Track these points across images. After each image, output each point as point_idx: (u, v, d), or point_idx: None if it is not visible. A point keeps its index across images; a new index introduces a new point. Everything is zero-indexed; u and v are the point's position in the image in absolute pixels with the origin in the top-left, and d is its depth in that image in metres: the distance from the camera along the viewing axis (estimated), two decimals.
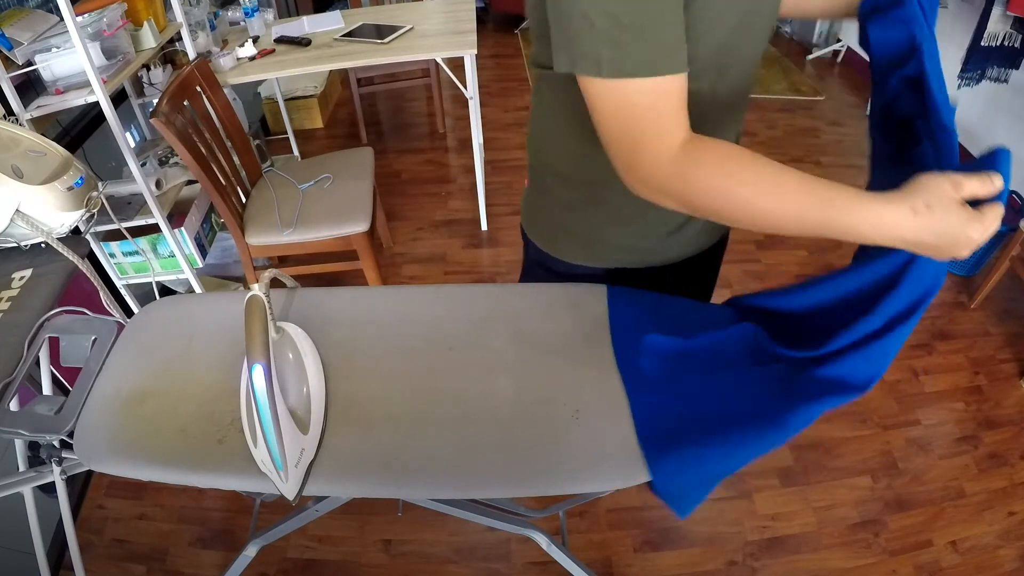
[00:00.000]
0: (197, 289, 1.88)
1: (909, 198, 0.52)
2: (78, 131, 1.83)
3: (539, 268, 0.92)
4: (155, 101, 1.54)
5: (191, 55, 2.00)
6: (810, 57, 3.73)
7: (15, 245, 1.05)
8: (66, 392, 0.77)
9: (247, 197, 1.90)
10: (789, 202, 0.54)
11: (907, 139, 0.70)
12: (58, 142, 1.15)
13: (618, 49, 0.51)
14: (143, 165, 1.74)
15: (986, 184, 0.51)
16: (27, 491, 1.04)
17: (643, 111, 0.54)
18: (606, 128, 0.57)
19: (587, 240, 0.83)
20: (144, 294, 1.94)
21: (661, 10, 0.51)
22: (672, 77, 0.53)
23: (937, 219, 0.51)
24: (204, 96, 1.79)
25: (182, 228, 1.79)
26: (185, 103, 1.67)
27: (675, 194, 0.57)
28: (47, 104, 1.45)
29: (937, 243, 0.53)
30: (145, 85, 2.04)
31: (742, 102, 0.76)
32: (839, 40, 3.66)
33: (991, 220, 0.51)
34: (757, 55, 0.70)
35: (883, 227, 0.53)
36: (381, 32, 2.14)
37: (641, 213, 0.77)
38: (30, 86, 1.50)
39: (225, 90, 1.90)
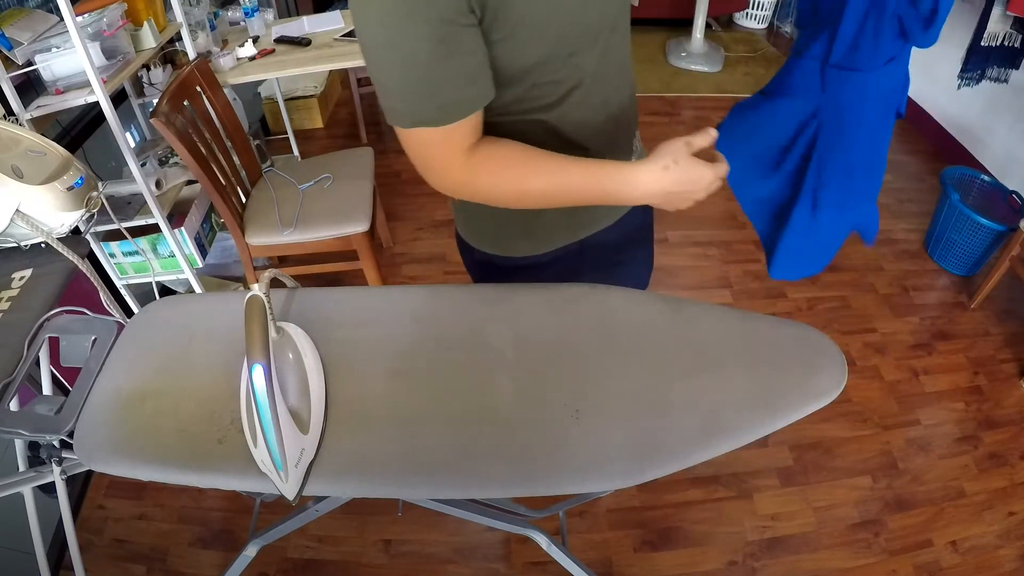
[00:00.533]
0: (197, 289, 1.88)
1: (658, 160, 0.67)
2: (78, 131, 1.82)
3: (487, 266, 0.93)
4: (155, 101, 1.54)
5: (191, 55, 2.00)
6: None
7: (15, 245, 1.05)
8: (66, 392, 0.77)
9: (247, 197, 1.90)
10: (562, 181, 0.68)
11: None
12: (58, 142, 1.15)
13: (409, 107, 0.63)
14: (143, 165, 1.74)
15: (707, 136, 0.68)
16: (27, 491, 1.04)
17: (434, 149, 0.67)
18: (410, 157, 0.70)
19: (526, 230, 0.85)
20: (144, 294, 1.94)
21: (444, 71, 0.60)
22: (456, 124, 0.64)
23: (682, 170, 0.66)
24: (204, 96, 1.79)
25: (182, 228, 1.79)
26: (185, 103, 1.67)
27: (470, 196, 0.72)
28: (47, 104, 1.45)
29: (682, 190, 0.68)
30: (145, 85, 2.04)
31: (622, 93, 0.80)
32: None
33: (720, 167, 0.68)
34: (613, 47, 0.73)
35: (640, 185, 0.67)
36: None
37: None
38: (30, 86, 1.50)
39: (225, 90, 1.90)
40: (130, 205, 1.71)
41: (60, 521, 1.41)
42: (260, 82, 3.02)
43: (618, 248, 0.95)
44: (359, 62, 2.05)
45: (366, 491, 0.66)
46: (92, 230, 1.65)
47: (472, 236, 0.92)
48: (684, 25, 3.74)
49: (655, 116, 3.17)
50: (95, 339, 0.83)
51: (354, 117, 3.07)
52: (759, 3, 4.04)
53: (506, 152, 0.68)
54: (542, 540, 1.04)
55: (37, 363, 0.93)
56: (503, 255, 0.89)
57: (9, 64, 1.40)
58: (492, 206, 0.74)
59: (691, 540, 1.44)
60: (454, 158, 0.67)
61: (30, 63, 1.44)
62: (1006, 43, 2.12)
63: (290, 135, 2.81)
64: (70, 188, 1.02)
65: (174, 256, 1.78)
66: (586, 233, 0.88)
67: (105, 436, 0.70)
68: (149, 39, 1.74)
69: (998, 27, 2.09)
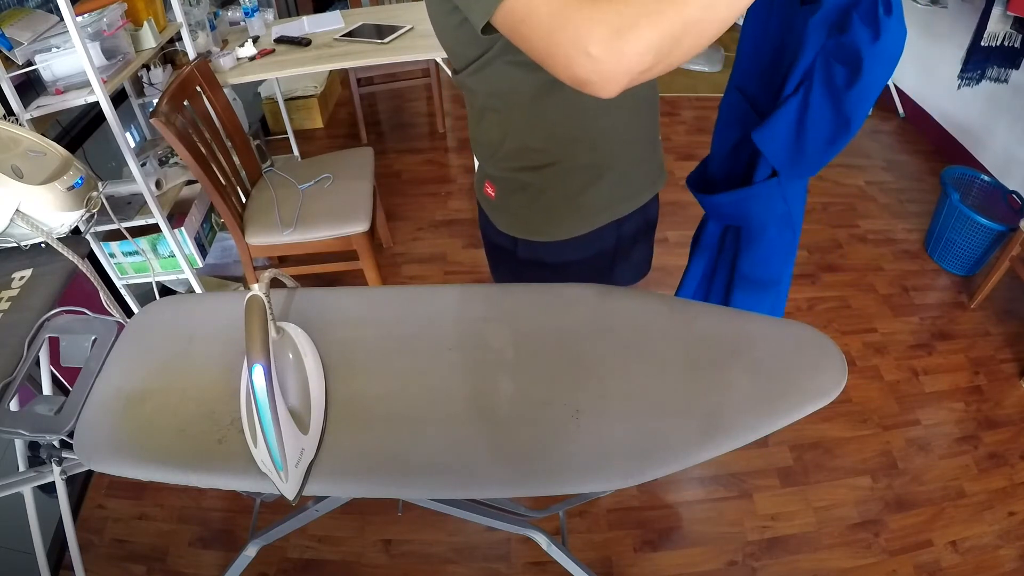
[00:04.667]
0: (197, 289, 1.88)
1: None
2: (78, 131, 1.83)
3: (529, 266, 0.95)
4: (155, 101, 1.54)
5: (191, 55, 2.00)
6: None
7: (15, 245, 1.05)
8: (66, 392, 0.77)
9: (247, 197, 1.90)
10: None
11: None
12: (58, 142, 1.15)
13: None
14: (143, 165, 1.74)
15: None
16: (27, 491, 1.04)
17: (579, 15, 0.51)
18: (541, 38, 0.53)
19: (573, 207, 0.87)
20: (144, 294, 1.94)
21: None
22: None
23: None
24: (204, 96, 1.79)
25: (182, 228, 1.79)
26: (185, 103, 1.67)
27: (630, 52, 0.51)
28: (47, 104, 1.45)
29: None
30: (145, 85, 2.04)
31: None
32: None
33: None
34: None
35: None
36: (381, 32, 2.14)
37: (605, 161, 0.84)
38: (30, 86, 1.50)
39: (225, 90, 1.90)
40: (130, 205, 1.71)
41: (60, 521, 1.41)
42: (260, 82, 3.02)
43: (639, 238, 0.98)
44: (359, 62, 2.05)
45: (366, 491, 0.66)
46: (92, 230, 1.65)
47: (519, 227, 0.92)
48: None
49: None
50: (95, 339, 0.83)
51: (354, 117, 3.06)
52: None
53: None
54: (542, 540, 1.04)
55: (37, 363, 0.93)
56: (549, 240, 0.90)
57: (9, 64, 1.40)
58: (574, 177, 0.78)
59: (691, 540, 1.44)
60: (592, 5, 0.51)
61: (30, 63, 1.45)
62: (1006, 43, 2.12)
63: (290, 135, 2.81)
64: (70, 188, 1.02)
65: (174, 256, 1.78)
66: (626, 209, 0.90)
67: (105, 436, 0.70)
68: (149, 39, 1.74)
69: (998, 27, 2.09)
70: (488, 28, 0.59)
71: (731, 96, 0.99)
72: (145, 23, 1.71)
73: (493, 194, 0.92)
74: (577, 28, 0.51)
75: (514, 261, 0.97)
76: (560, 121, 0.78)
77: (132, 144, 1.82)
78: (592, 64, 0.51)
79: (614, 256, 0.96)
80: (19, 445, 1.10)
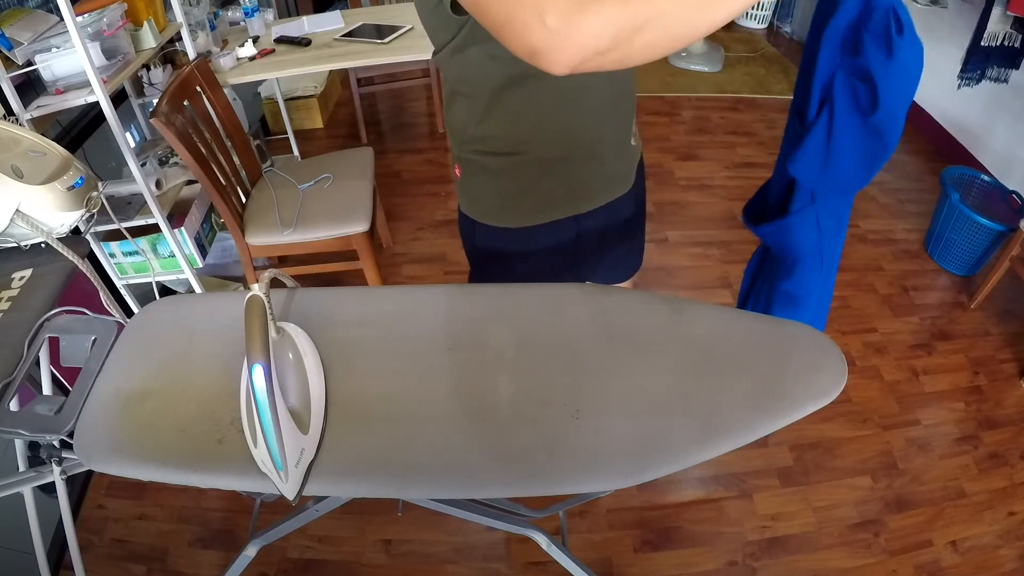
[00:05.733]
0: (197, 289, 1.88)
1: None
2: (78, 131, 1.83)
3: (487, 254, 0.99)
4: (155, 101, 1.54)
5: (191, 55, 2.00)
6: None
7: (15, 245, 1.05)
8: (66, 392, 0.77)
9: (247, 197, 1.90)
10: None
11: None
12: (58, 142, 1.15)
13: None
14: (143, 165, 1.74)
15: None
16: (27, 491, 1.04)
17: None
18: (502, 4, 0.52)
19: (528, 194, 0.90)
20: (144, 294, 1.94)
21: None
22: None
23: None
24: (204, 96, 1.79)
25: (182, 228, 1.79)
26: (185, 103, 1.67)
27: (587, 28, 0.49)
28: (47, 104, 1.45)
29: None
30: (145, 85, 2.04)
31: None
32: None
33: None
34: None
35: None
36: (381, 32, 2.14)
37: (561, 157, 0.87)
38: (30, 86, 1.50)
39: (225, 90, 1.90)
40: (130, 205, 1.71)
41: (60, 521, 1.41)
42: (260, 82, 3.02)
43: (608, 237, 1.01)
44: (359, 62, 2.05)
45: (366, 491, 0.66)
46: (92, 230, 1.65)
47: (476, 209, 0.95)
48: None
49: (655, 116, 3.16)
50: (95, 339, 0.83)
51: (354, 117, 3.06)
52: (759, 3, 4.04)
53: None
54: (542, 540, 1.04)
55: (37, 363, 0.93)
56: (504, 227, 0.93)
57: (9, 64, 1.40)
58: (532, 165, 0.81)
59: (691, 540, 1.44)
60: None
61: (30, 63, 1.45)
62: (1006, 43, 2.12)
63: (290, 135, 2.81)
64: (70, 188, 1.02)
65: (174, 256, 1.78)
66: (584, 207, 0.92)
67: (105, 436, 0.70)
68: (149, 39, 1.74)
69: (998, 27, 2.09)
70: (457, 7, 0.61)
71: (788, 118, 0.95)
72: (145, 23, 1.71)
73: (459, 174, 0.95)
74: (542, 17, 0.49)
75: (472, 245, 1.00)
76: (521, 114, 0.82)
77: (132, 144, 1.82)
78: (547, 33, 0.49)
79: (575, 253, 0.98)
80: (19, 445, 1.10)
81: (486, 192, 0.92)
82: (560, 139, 0.86)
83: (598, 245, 1.01)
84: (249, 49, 2.08)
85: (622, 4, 0.49)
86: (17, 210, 0.96)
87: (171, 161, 1.86)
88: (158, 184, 1.72)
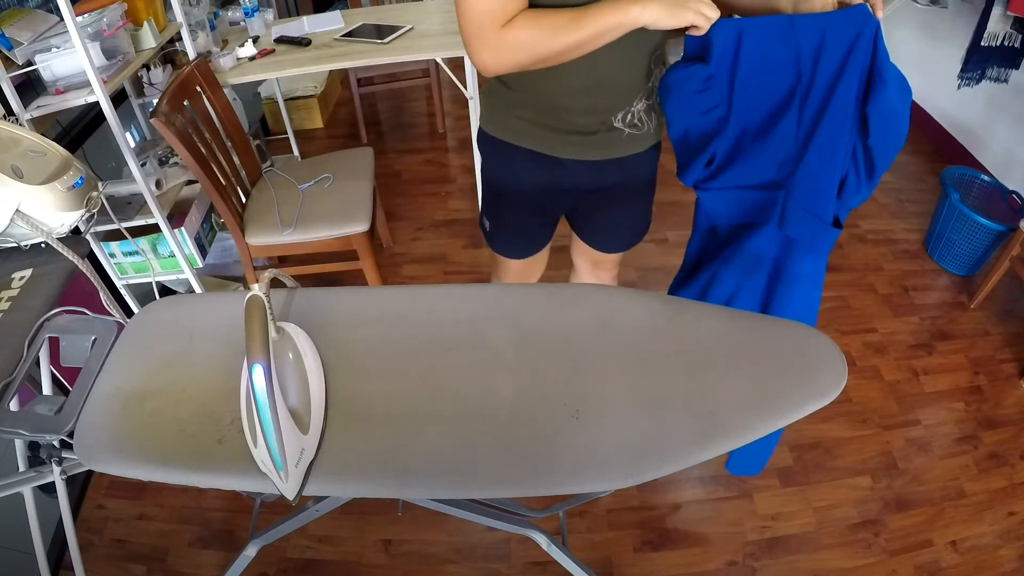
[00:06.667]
0: (197, 289, 1.88)
1: None
2: (78, 131, 1.83)
3: (485, 163, 1.16)
4: (155, 101, 1.54)
5: (191, 55, 2.00)
6: None
7: (15, 245, 1.05)
8: (66, 392, 0.77)
9: (247, 197, 1.90)
10: (576, 15, 0.80)
11: None
12: (58, 142, 1.15)
13: None
14: (143, 165, 1.74)
15: None
16: (27, 491, 1.04)
17: (479, 8, 0.80)
18: (463, 33, 0.84)
19: (510, 111, 1.05)
20: (144, 294, 1.94)
21: None
22: None
23: None
24: (204, 96, 1.79)
25: (182, 228, 1.79)
26: (185, 103, 1.67)
27: (503, 56, 0.84)
28: (47, 104, 1.45)
29: (673, 3, 0.79)
30: (145, 85, 2.04)
31: None
32: None
33: None
34: None
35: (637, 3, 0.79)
36: (381, 32, 2.14)
37: (537, 103, 1.00)
38: (30, 86, 1.50)
39: (225, 90, 1.90)
40: (130, 205, 1.71)
41: (60, 521, 1.41)
42: (260, 82, 3.02)
43: (595, 197, 1.14)
44: (359, 62, 2.05)
45: (366, 491, 0.66)
46: (92, 230, 1.65)
47: (484, 117, 1.12)
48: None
49: None
50: (95, 339, 0.83)
51: (354, 117, 3.07)
52: None
53: (526, 15, 0.82)
54: (542, 540, 1.04)
55: (37, 363, 0.93)
56: (493, 135, 1.09)
57: (9, 64, 1.40)
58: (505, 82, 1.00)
59: (691, 540, 1.44)
60: (501, 16, 0.81)
61: (30, 63, 1.45)
62: (1006, 43, 2.12)
63: (290, 135, 2.81)
64: (70, 188, 1.02)
65: (174, 256, 1.78)
66: (537, 146, 1.04)
67: (105, 436, 0.70)
68: (149, 39, 1.74)
69: (998, 27, 2.09)
70: None
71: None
72: (145, 23, 1.71)
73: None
74: (480, 34, 0.82)
75: (480, 150, 1.19)
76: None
77: (132, 144, 1.82)
78: (481, 61, 0.85)
79: (561, 194, 1.12)
80: (19, 445, 1.10)
81: (488, 96, 1.09)
82: (541, 86, 0.98)
83: (587, 201, 1.16)
84: (249, 49, 2.08)
85: (532, 51, 0.83)
86: (17, 210, 0.96)
87: (171, 161, 1.86)
88: (158, 184, 1.72)
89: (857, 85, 0.84)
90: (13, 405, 0.81)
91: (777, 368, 0.72)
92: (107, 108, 1.46)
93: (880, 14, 0.79)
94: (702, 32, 0.82)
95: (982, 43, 2.14)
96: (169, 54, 2.14)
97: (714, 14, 0.81)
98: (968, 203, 2.08)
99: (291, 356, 0.71)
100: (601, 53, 0.86)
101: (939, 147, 2.80)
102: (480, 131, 1.14)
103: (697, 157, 0.97)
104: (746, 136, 0.94)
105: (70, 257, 1.00)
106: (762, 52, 0.85)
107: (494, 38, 0.81)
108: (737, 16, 0.89)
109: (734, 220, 1.04)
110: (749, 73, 0.87)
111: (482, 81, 1.14)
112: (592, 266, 1.39)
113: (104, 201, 1.15)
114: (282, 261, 2.08)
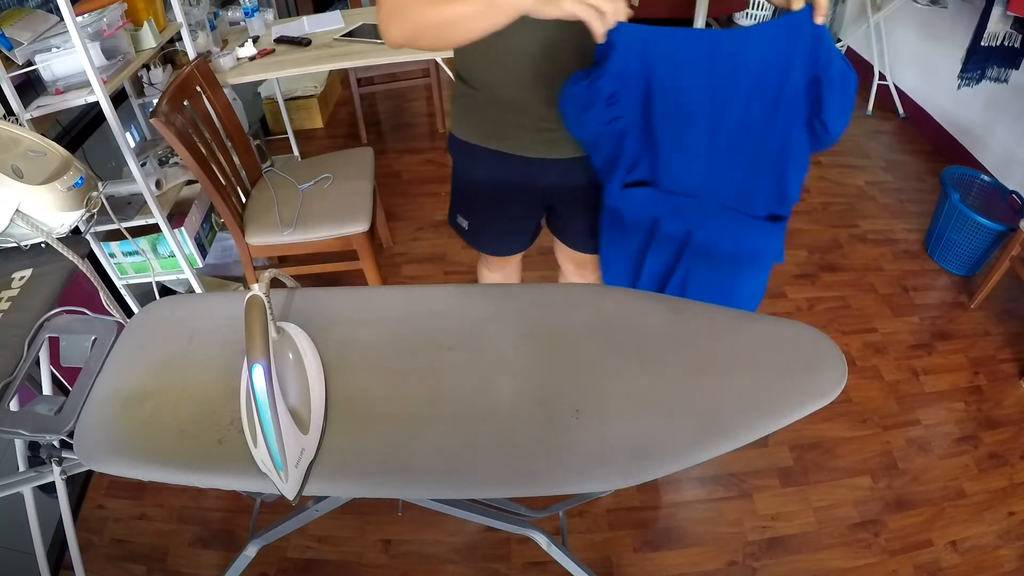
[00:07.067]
0: (197, 289, 1.88)
1: None
2: (78, 131, 1.82)
3: (455, 164, 1.19)
4: (155, 101, 1.54)
5: (191, 55, 2.00)
6: None
7: (15, 245, 1.05)
8: (66, 392, 0.77)
9: (247, 197, 1.90)
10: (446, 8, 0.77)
11: None
12: (58, 142, 1.15)
13: None
14: (143, 165, 1.74)
15: None
16: (27, 491, 1.04)
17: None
18: (378, 12, 0.84)
19: (467, 114, 1.09)
20: (144, 294, 1.94)
21: None
22: None
23: None
24: (204, 96, 1.79)
25: (182, 228, 1.79)
26: (185, 103, 1.67)
27: (389, 25, 0.82)
28: (47, 104, 1.45)
29: None
30: (145, 85, 2.04)
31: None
32: (839, 40, 3.66)
33: None
34: None
35: None
36: None
37: (492, 98, 1.03)
38: (30, 86, 1.50)
39: (225, 90, 1.90)
40: (130, 205, 1.71)
41: (60, 521, 1.41)
42: (260, 82, 3.02)
43: (567, 196, 1.16)
44: (359, 62, 2.05)
45: (366, 491, 0.66)
46: (92, 230, 1.65)
47: (454, 122, 1.15)
48: (684, 24, 3.74)
49: None
50: (95, 339, 0.83)
51: (354, 117, 3.06)
52: (759, 3, 4.04)
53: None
54: (542, 540, 1.04)
55: (37, 363, 0.93)
56: (452, 131, 1.14)
57: (9, 64, 1.40)
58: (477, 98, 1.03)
59: (691, 540, 1.44)
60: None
61: (30, 63, 1.44)
62: (1006, 43, 2.12)
63: (290, 135, 2.81)
64: (70, 188, 1.02)
65: (174, 256, 1.78)
66: (496, 145, 1.08)
67: (105, 436, 0.70)
68: (149, 39, 1.74)
69: (998, 27, 2.09)
70: None
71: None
72: (145, 23, 1.71)
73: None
74: (381, 9, 0.83)
75: (456, 174, 1.22)
76: (475, 59, 1.01)
77: (132, 144, 1.82)
78: (386, 35, 0.84)
79: (532, 191, 1.15)
80: (19, 445, 1.10)
81: (455, 107, 1.12)
82: (495, 84, 1.01)
83: (560, 201, 1.19)
84: (249, 49, 2.08)
85: (402, 21, 0.81)
86: (17, 210, 0.96)
87: (171, 161, 1.86)
88: (158, 184, 1.72)
89: (804, 94, 0.81)
90: (13, 405, 0.81)
91: (777, 368, 0.72)
92: (107, 108, 1.46)
93: (821, 20, 0.74)
94: (599, 33, 0.73)
95: (982, 43, 2.14)
96: (169, 54, 2.14)
97: (608, 7, 0.70)
98: (968, 203, 2.08)
99: (291, 356, 0.71)
100: (542, 42, 0.89)
101: (939, 147, 2.80)
102: (450, 136, 1.16)
103: (615, 169, 0.94)
104: (663, 144, 0.89)
105: (70, 257, 1.00)
106: (674, 62, 0.80)
107: (387, 3, 0.82)
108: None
109: (663, 216, 1.00)
110: (662, 82, 0.82)
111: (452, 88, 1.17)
112: (576, 267, 1.38)
113: (104, 201, 1.15)
114: (282, 261, 2.08)
